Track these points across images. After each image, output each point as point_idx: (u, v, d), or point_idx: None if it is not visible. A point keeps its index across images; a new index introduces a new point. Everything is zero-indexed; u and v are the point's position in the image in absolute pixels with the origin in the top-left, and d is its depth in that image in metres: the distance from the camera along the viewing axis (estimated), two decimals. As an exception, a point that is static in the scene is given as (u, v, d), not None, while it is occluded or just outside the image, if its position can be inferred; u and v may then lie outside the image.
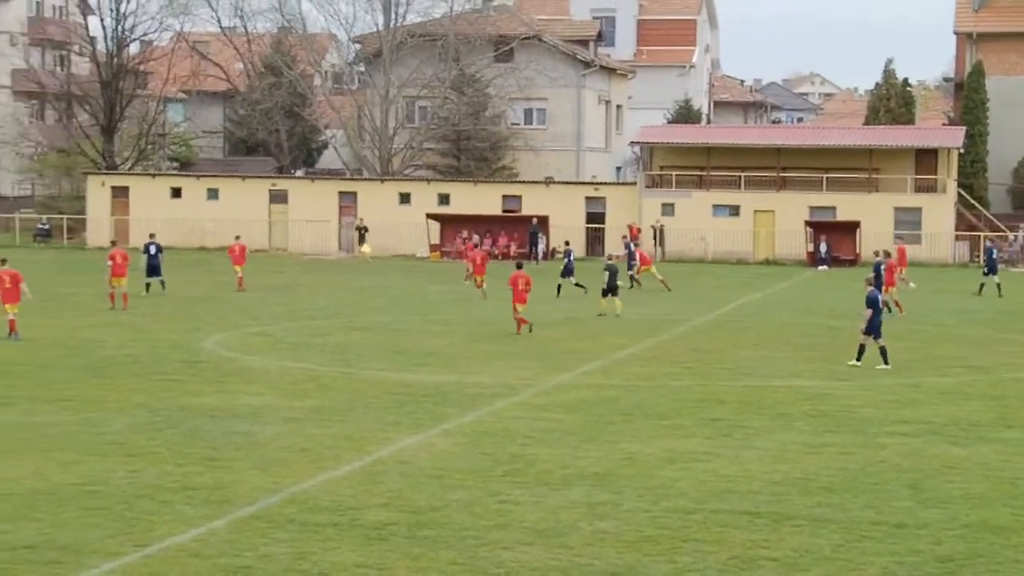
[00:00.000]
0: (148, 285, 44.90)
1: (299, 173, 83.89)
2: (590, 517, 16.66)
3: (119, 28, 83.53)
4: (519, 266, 38.03)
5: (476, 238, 55.65)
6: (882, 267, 41.69)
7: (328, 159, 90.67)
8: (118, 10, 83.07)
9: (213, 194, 72.78)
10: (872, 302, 30.26)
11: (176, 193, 73.10)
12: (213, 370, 28.55)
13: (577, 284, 47.76)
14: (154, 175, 78.31)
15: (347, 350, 32.45)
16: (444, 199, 71.96)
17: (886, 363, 29.91)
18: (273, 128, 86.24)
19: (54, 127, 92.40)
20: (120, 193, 73.49)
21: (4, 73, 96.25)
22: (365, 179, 77.69)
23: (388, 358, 31.16)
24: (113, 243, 47.36)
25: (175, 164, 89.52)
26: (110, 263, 41.13)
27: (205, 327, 36.32)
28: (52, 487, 17.59)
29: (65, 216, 75.16)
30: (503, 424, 22.91)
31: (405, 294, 48.71)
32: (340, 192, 73.53)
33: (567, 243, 53.05)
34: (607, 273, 40.89)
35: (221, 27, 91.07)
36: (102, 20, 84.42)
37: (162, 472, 18.60)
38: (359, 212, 71.40)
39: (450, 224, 70.47)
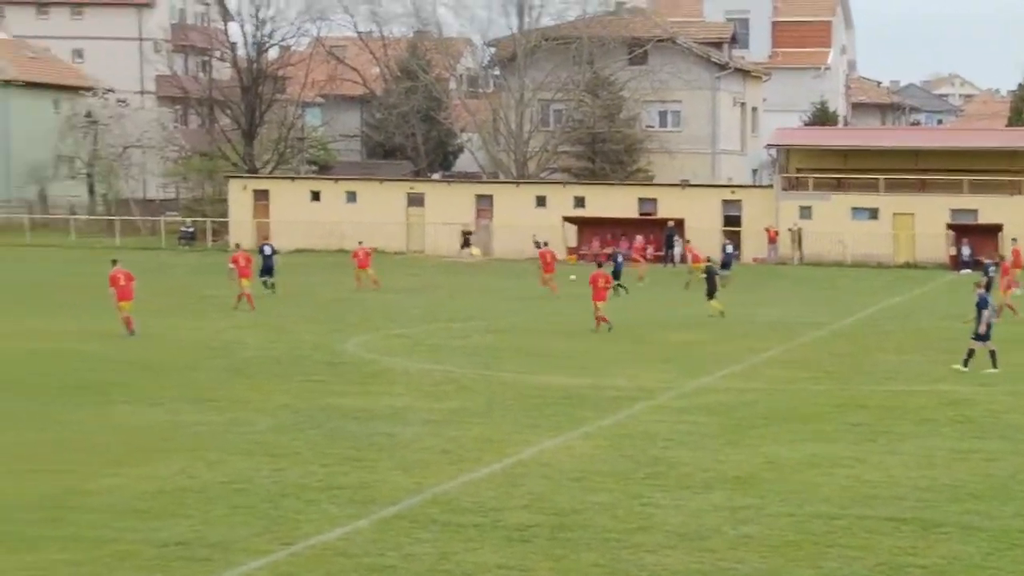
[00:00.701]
0: (266, 283, 45.82)
1: (436, 176, 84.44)
2: (732, 521, 16.54)
3: (258, 34, 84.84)
4: (599, 265, 38.61)
5: (541, 240, 54.71)
6: (992, 270, 40.89)
7: (464, 162, 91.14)
8: (257, 16, 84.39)
9: (351, 197, 73.53)
10: (982, 305, 29.77)
11: (315, 196, 73.98)
12: (355, 371, 28.85)
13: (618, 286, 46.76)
14: (294, 178, 79.35)
15: (485, 352, 32.58)
16: (580, 202, 71.87)
17: (995, 367, 29.28)
18: (410, 132, 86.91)
19: (197, 131, 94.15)
20: (261, 196, 74.58)
21: (149, 79, 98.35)
22: (501, 182, 77.93)
23: (526, 360, 31.22)
24: (237, 246, 48.05)
25: (314, 167, 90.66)
26: (233, 267, 41.97)
27: (346, 329, 36.72)
28: (200, 485, 17.92)
29: (208, 219, 76.48)
30: (643, 427, 22.84)
31: (542, 297, 48.73)
32: (476, 195, 73.83)
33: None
34: (705, 276, 41.36)
35: (358, 32, 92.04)
36: (242, 26, 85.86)
37: (306, 472, 18.84)
38: (495, 215, 71.65)
39: (586, 227, 70.39)
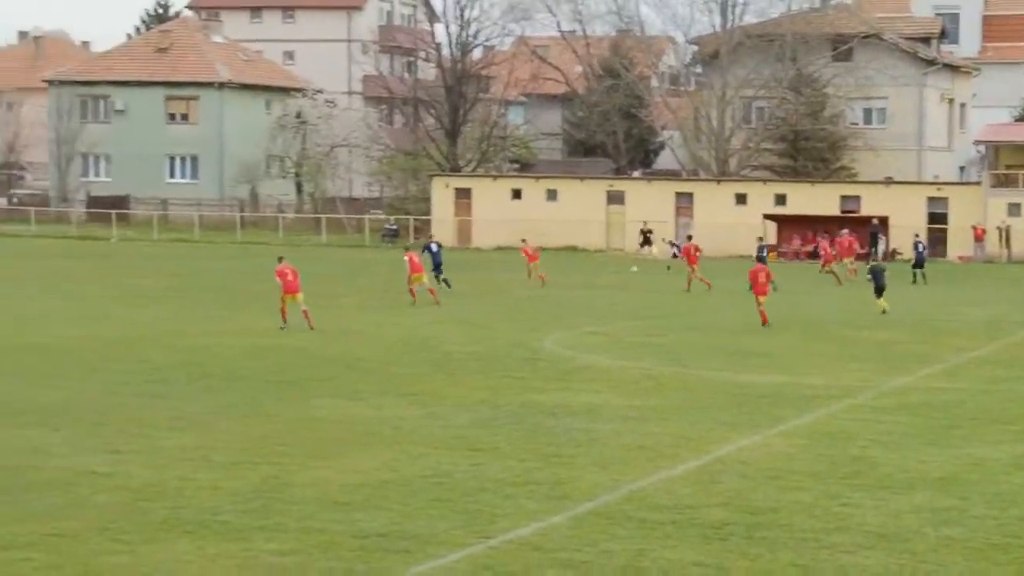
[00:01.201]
0: (438, 278, 46.50)
1: (636, 174, 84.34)
2: (934, 523, 16.23)
3: (463, 34, 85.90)
4: (761, 260, 39.11)
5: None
6: None
7: (665, 160, 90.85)
8: (462, 17, 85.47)
9: (552, 195, 73.93)
10: None
11: (516, 194, 74.58)
12: (552, 368, 29.05)
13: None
14: (495, 177, 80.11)
15: (683, 350, 32.48)
16: (781, 199, 71.06)
17: None
18: (611, 130, 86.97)
19: (401, 131, 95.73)
20: (463, 194, 75.49)
21: (356, 80, 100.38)
22: (701, 180, 77.49)
23: (723, 358, 31.04)
24: (406, 249, 48.32)
25: (515, 166, 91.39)
26: (407, 259, 42.92)
27: (543, 326, 36.96)
28: (401, 478, 18.25)
29: (412, 217, 77.72)
30: (841, 426, 22.53)
31: (739, 294, 48.30)
32: (676, 193, 73.56)
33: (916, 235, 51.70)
34: (871, 275, 41.51)
35: (560, 31, 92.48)
36: (447, 27, 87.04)
37: (504, 466, 19.05)
38: (695, 213, 71.27)
39: (787, 225, 69.56)
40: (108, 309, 39.64)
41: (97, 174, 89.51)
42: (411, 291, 42.71)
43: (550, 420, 22.71)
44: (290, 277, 36.10)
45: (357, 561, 14.50)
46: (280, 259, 37.68)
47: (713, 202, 71.61)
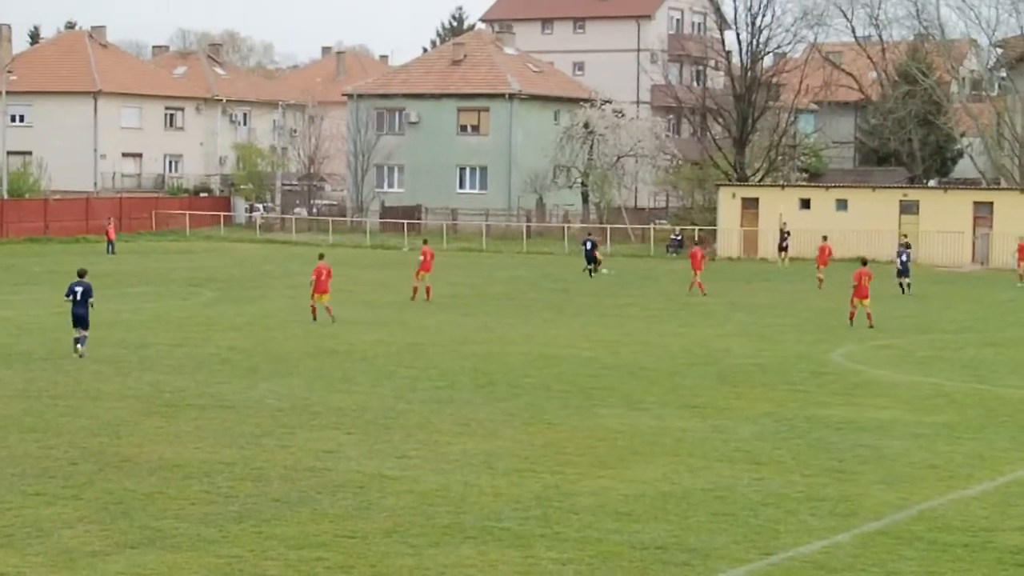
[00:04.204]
0: (587, 270, 56.31)
1: (931, 183, 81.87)
2: None
3: (754, 42, 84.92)
4: (864, 263, 40.27)
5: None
6: None
7: (963, 168, 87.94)
8: (754, 24, 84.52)
9: (842, 205, 72.37)
10: None
11: (805, 204, 73.30)
12: (839, 382, 28.36)
13: None
14: (783, 186, 78.91)
15: (980, 365, 31.28)
16: (1089, 209, 67.84)
17: None
18: (906, 137, 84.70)
19: (689, 140, 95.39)
20: (750, 204, 74.61)
21: (644, 89, 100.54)
22: (1003, 189, 74.64)
23: (1024, 375, 29.76)
24: (424, 241, 49.67)
25: (805, 175, 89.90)
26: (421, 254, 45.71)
27: (832, 338, 36.17)
28: (682, 491, 18.07)
29: (696, 227, 77.29)
30: None
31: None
32: (975, 202, 71.02)
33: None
34: None
35: (855, 36, 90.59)
36: (738, 34, 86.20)
37: (787, 481, 18.65)
38: (995, 223, 68.67)
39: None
40: (399, 316, 40.64)
41: (391, 185, 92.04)
42: (414, 288, 45.47)
43: (836, 435, 22.15)
44: (323, 277, 38.07)
45: (636, 573, 14.40)
46: (321, 256, 39.89)
47: (1015, 212, 68.77)
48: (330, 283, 38.65)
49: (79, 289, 30.96)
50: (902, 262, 51.76)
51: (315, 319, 38.25)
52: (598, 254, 59.29)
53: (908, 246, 55.93)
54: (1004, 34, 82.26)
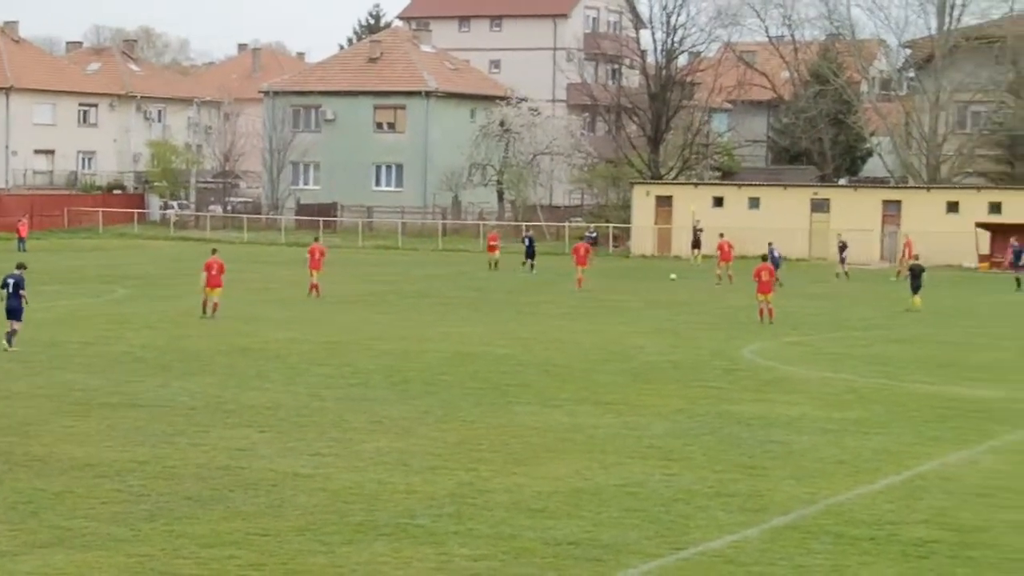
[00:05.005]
0: (528, 264, 58.60)
1: (842, 181, 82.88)
2: None
3: (669, 41, 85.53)
4: (764, 259, 42.12)
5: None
6: None
7: (872, 167, 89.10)
8: (669, 23, 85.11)
9: (754, 203, 73.09)
10: None
11: (718, 202, 73.94)
12: (751, 378, 28.68)
13: None
14: (697, 184, 79.56)
15: (888, 362, 31.76)
16: (995, 208, 68.98)
17: None
18: (817, 136, 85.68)
19: (604, 138, 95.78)
20: (664, 202, 75.14)
21: (560, 87, 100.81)
22: (910, 187, 75.76)
23: (931, 371, 30.26)
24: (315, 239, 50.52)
25: (718, 173, 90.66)
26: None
27: (743, 336, 36.55)
28: (594, 487, 18.20)
29: (611, 225, 77.69)
30: (1056, 444, 21.74)
31: (950, 306, 47.12)
32: (884, 201, 72.02)
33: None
34: (910, 274, 44.54)
35: (768, 36, 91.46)
36: (653, 34, 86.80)
37: (699, 477, 18.86)
38: (903, 221, 69.67)
39: (1002, 233, 67.51)
40: (314, 314, 40.50)
41: (307, 182, 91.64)
42: (311, 285, 45.74)
43: (746, 431, 22.42)
44: (214, 272, 38.48)
45: (549, 569, 14.50)
46: (213, 251, 40.44)
47: (923, 210, 69.87)
48: (223, 278, 38.79)
49: (11, 281, 30.79)
50: (842, 258, 58.45)
51: (204, 313, 38.35)
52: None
53: (846, 245, 58.81)
54: (913, 35, 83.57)
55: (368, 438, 21.38)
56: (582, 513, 16.76)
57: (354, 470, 19.04)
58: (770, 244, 54.56)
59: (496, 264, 60.46)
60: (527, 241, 61.48)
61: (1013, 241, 58.29)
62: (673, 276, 56.49)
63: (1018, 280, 53.53)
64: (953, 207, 69.66)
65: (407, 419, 23.09)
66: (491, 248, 62.36)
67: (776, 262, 52.46)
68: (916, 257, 46.71)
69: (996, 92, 77.54)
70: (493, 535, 15.73)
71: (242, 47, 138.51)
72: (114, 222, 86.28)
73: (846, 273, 58.79)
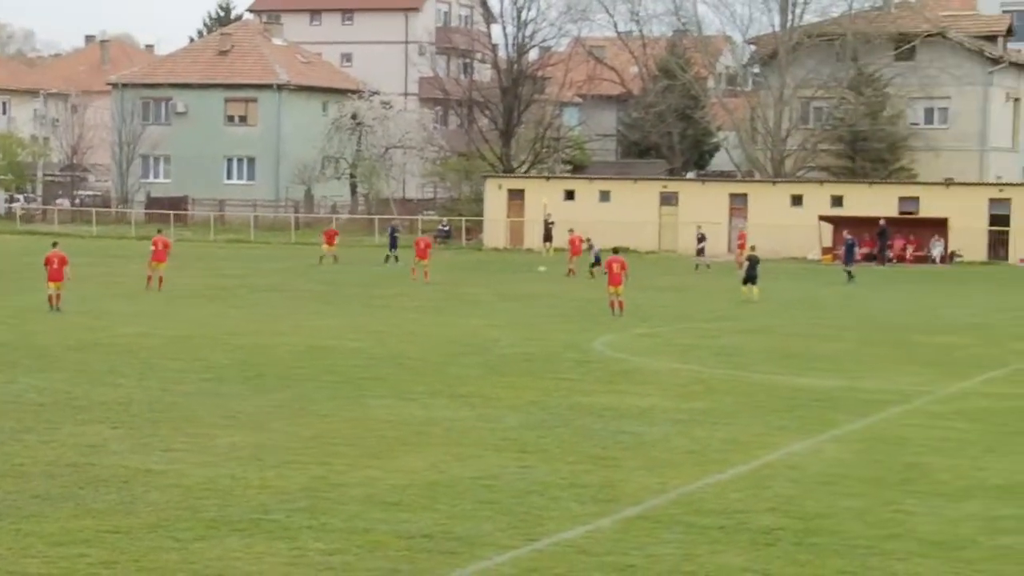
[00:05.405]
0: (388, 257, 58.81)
1: (690, 175, 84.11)
2: (991, 531, 16.04)
3: (520, 35, 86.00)
4: (615, 251, 42.63)
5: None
6: None
7: (720, 161, 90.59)
8: (519, 18, 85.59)
9: (605, 196, 73.85)
10: None
11: (569, 195, 74.56)
12: (603, 370, 29.01)
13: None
14: (548, 178, 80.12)
15: (735, 353, 32.35)
16: (837, 201, 70.64)
17: None
18: (665, 131, 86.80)
19: (456, 132, 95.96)
20: (516, 195, 75.53)
21: (412, 81, 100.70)
22: (756, 181, 77.20)
23: (777, 361, 30.89)
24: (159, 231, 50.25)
25: (569, 167, 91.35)
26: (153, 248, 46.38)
27: (594, 328, 36.92)
28: (449, 480, 18.27)
29: (464, 218, 77.85)
30: (896, 431, 22.35)
31: (794, 298, 48.14)
32: (731, 194, 73.31)
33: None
34: (747, 263, 45.70)
35: (617, 32, 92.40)
36: (504, 28, 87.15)
37: (552, 469, 19.03)
38: (749, 214, 70.97)
39: (843, 226, 69.15)
40: (164, 308, 39.97)
41: (157, 175, 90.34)
42: (148, 277, 45.78)
43: (599, 423, 22.67)
44: (55, 265, 38.35)
45: (403, 562, 14.53)
46: (54, 244, 40.16)
47: (768, 203, 71.28)
48: (65, 271, 38.31)
49: None
50: (700, 249, 61.52)
51: (52, 308, 37.86)
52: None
53: (704, 237, 60.45)
54: (757, 31, 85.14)
55: (222, 433, 21.19)
56: (437, 506, 16.82)
57: (207, 465, 18.86)
58: (588, 239, 56.16)
59: (322, 259, 59.09)
60: (391, 232, 62.13)
61: (846, 234, 59.72)
62: (542, 268, 56.77)
63: (849, 272, 54.65)
64: (797, 200, 71.17)
65: (261, 413, 22.93)
66: (328, 243, 60.37)
67: (597, 258, 53.92)
68: (752, 248, 47.59)
69: (838, 88, 79.31)
70: (347, 529, 15.72)
71: (89, 38, 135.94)
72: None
73: (707, 265, 59.72)
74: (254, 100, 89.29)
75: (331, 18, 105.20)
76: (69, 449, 19.78)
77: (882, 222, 66.59)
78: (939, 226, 67.27)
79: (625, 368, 29.48)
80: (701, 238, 61.76)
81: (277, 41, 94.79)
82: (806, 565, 14.65)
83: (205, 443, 20.43)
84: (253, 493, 17.32)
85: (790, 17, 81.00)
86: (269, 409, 23.37)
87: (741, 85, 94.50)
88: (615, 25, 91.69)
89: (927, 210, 68.59)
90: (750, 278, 44.75)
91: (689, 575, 14.29)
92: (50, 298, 38.22)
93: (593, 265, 54.33)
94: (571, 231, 58.76)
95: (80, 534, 15.28)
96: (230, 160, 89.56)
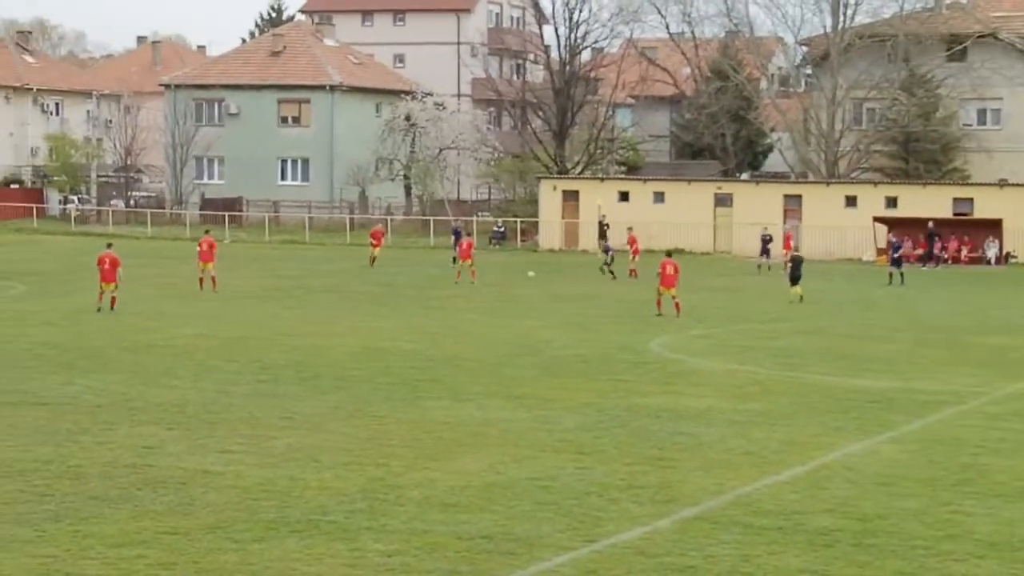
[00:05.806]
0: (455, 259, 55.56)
1: (744, 176, 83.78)
2: (1048, 533, 15.95)
3: (572, 36, 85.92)
4: (668, 254, 41.50)
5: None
6: None
7: (773, 162, 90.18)
8: (571, 19, 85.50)
9: (659, 197, 73.66)
10: None
11: (624, 196, 74.41)
12: (659, 371, 28.97)
13: None
14: (603, 179, 79.99)
15: (792, 354, 32.23)
16: (891, 202, 70.14)
17: None
18: (719, 132, 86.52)
19: (509, 133, 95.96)
20: (570, 196, 75.48)
21: (465, 82, 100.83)
22: (810, 182, 76.79)
23: (833, 362, 30.76)
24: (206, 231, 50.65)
25: (623, 168, 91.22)
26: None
27: (650, 329, 36.87)
28: (507, 481, 18.31)
29: (519, 219, 77.87)
30: (953, 432, 22.23)
31: (850, 298, 47.89)
32: (785, 195, 72.91)
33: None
34: (790, 264, 46.07)
35: (669, 33, 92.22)
36: (556, 29, 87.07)
37: (610, 470, 19.04)
38: (804, 215, 70.62)
39: (897, 227, 68.68)
40: (220, 309, 40.23)
41: (211, 177, 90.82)
42: (200, 279, 45.69)
43: (656, 424, 22.66)
44: (107, 266, 38.36)
45: (462, 563, 14.58)
46: (109, 245, 40.24)
47: (822, 204, 70.88)
48: (118, 272, 38.55)
49: None
50: (767, 250, 60.12)
51: (100, 308, 38.23)
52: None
53: (771, 238, 60.22)
54: (808, 32, 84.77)
55: (279, 434, 21.33)
56: (495, 507, 16.86)
57: (265, 467, 18.99)
58: (604, 218, 56.10)
59: (374, 261, 58.40)
60: (455, 233, 62.02)
61: (891, 236, 59.23)
62: (531, 273, 56.60)
63: (891, 275, 53.96)
64: (851, 201, 70.72)
65: (318, 415, 23.06)
66: (374, 244, 59.73)
67: (610, 254, 54.41)
68: (796, 249, 47.60)
69: (890, 89, 78.84)
70: (406, 530, 15.78)
71: (141, 39, 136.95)
72: (11, 217, 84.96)
73: (769, 267, 59.12)
74: (307, 101, 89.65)
75: (383, 19, 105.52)
76: (126, 450, 19.97)
77: (930, 224, 66.12)
78: (993, 227, 66.71)
79: (681, 369, 29.44)
80: (768, 239, 60.97)
81: (329, 42, 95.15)
82: (865, 566, 14.61)
83: (262, 444, 20.56)
84: (311, 494, 17.42)
85: (841, 18, 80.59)
86: (325, 410, 23.50)
87: (793, 86, 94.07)
88: (667, 26, 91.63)
89: (981, 211, 68.03)
90: (794, 278, 44.86)
91: (747, 576, 14.29)
92: (100, 297, 38.58)
93: (607, 263, 55.03)
94: (630, 230, 58.35)
95: (138, 535, 15.40)
96: (283, 161, 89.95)
